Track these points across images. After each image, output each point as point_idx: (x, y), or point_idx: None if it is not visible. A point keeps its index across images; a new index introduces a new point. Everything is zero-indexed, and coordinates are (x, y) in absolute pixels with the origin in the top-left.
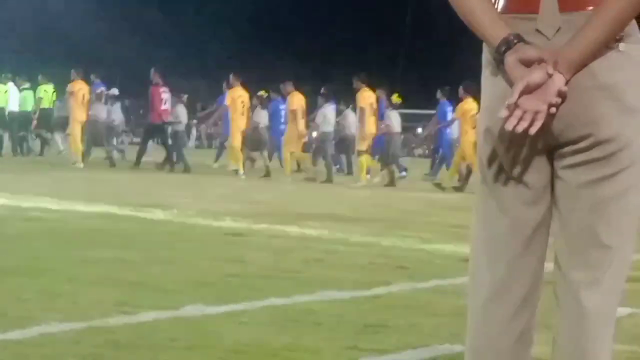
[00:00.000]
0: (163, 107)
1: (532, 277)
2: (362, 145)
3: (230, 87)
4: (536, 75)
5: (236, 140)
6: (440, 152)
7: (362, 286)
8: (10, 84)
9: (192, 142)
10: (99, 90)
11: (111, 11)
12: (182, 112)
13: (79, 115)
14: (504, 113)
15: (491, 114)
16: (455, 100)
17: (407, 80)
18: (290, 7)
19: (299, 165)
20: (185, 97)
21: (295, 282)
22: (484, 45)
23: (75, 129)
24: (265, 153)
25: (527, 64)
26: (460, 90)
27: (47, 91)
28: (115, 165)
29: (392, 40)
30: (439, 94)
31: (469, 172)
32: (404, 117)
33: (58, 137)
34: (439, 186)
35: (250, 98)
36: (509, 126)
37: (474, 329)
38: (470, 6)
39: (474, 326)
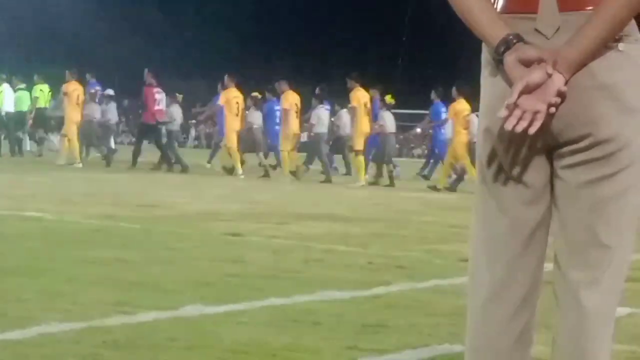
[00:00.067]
0: (157, 107)
1: (531, 277)
2: (359, 145)
3: (225, 87)
4: (535, 75)
5: (231, 140)
6: (435, 152)
7: (361, 286)
8: (6, 85)
9: (190, 142)
10: (92, 90)
11: (111, 11)
12: (176, 112)
13: (73, 116)
14: (503, 113)
15: (491, 113)
16: (449, 101)
17: (406, 81)
18: (290, 7)
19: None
20: (180, 97)
21: (294, 282)
22: (483, 45)
23: (71, 130)
24: (261, 154)
25: (527, 63)
26: (454, 90)
27: (42, 91)
28: (110, 165)
29: (391, 41)
30: (433, 95)
31: (463, 171)
32: (404, 117)
33: (54, 137)
34: (433, 188)
35: (245, 99)
36: (508, 126)
37: (474, 329)
38: (469, 6)
39: (473, 326)
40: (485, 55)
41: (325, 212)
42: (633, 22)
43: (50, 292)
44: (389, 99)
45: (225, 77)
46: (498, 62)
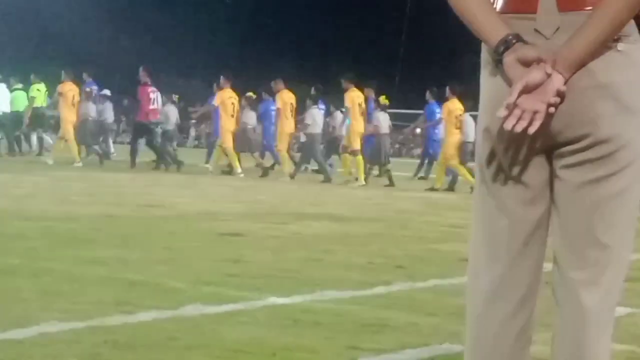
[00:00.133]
0: (151, 106)
1: (531, 277)
2: (356, 145)
3: (220, 88)
4: (535, 75)
5: (227, 141)
6: (430, 152)
7: (361, 286)
8: (2, 85)
9: (190, 142)
10: (88, 89)
11: (111, 11)
12: (172, 111)
13: (69, 116)
14: (502, 112)
15: (490, 113)
16: (444, 102)
17: (406, 81)
18: (290, 7)
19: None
20: (176, 97)
21: (294, 281)
22: (483, 45)
23: (68, 130)
24: (256, 154)
25: (526, 63)
26: (447, 90)
27: (39, 90)
28: (103, 164)
29: (391, 41)
30: (427, 95)
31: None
32: (404, 117)
33: (48, 136)
34: (432, 189)
35: (240, 99)
36: (507, 126)
37: (473, 329)
38: (469, 6)
39: (473, 325)
40: (485, 55)
41: (325, 212)
42: (632, 22)
43: (50, 292)
44: (382, 99)
45: (221, 78)
46: (497, 62)
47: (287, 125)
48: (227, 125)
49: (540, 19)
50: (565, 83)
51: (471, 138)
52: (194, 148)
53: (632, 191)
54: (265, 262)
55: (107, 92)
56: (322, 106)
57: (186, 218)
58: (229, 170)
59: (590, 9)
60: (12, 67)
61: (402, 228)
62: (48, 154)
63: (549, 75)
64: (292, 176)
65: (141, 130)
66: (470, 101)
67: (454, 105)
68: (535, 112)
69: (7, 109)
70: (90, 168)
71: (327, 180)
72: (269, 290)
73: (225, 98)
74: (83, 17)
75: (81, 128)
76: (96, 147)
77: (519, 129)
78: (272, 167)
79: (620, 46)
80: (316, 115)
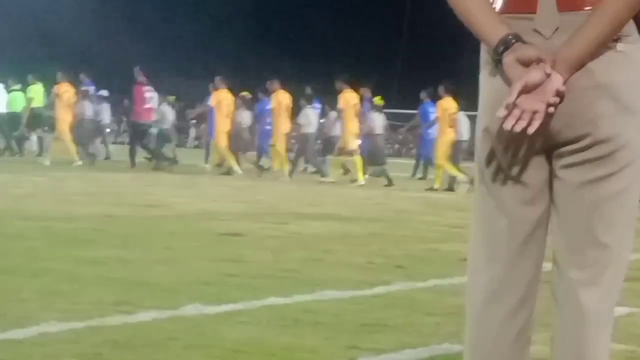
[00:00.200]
0: (146, 106)
1: (530, 276)
2: (352, 145)
3: (216, 88)
4: (534, 75)
5: (222, 141)
6: (424, 153)
7: (361, 286)
8: (0, 86)
9: (190, 143)
10: (84, 89)
11: (110, 11)
12: (167, 111)
13: (65, 117)
14: (502, 112)
15: (489, 113)
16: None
17: (406, 81)
18: (290, 8)
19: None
20: (172, 98)
21: (294, 281)
22: (482, 45)
23: (64, 130)
24: (249, 154)
25: (526, 63)
26: (441, 89)
27: (37, 91)
28: (95, 164)
29: (391, 41)
30: (422, 95)
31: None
32: (404, 117)
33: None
34: (431, 189)
35: (235, 99)
36: (507, 126)
37: (473, 328)
38: (468, 6)
39: (472, 325)
40: (484, 55)
41: (325, 212)
42: (632, 22)
43: (50, 292)
44: (377, 100)
45: (217, 78)
46: (497, 62)
47: (283, 124)
48: (222, 125)
49: (540, 19)
50: (564, 83)
51: (465, 137)
52: (193, 148)
53: (631, 191)
54: (265, 262)
55: (104, 92)
56: (318, 106)
57: (186, 218)
58: (228, 171)
59: (589, 9)
60: (10, 68)
61: (401, 228)
62: (46, 154)
63: (548, 75)
64: (290, 174)
65: (136, 129)
66: (464, 100)
67: (448, 103)
68: (534, 112)
69: (4, 110)
70: (90, 168)
71: (324, 176)
72: (268, 290)
73: (221, 98)
74: (83, 18)
75: (77, 128)
76: (91, 147)
77: (518, 129)
78: (268, 169)
79: (619, 46)
80: (310, 115)
